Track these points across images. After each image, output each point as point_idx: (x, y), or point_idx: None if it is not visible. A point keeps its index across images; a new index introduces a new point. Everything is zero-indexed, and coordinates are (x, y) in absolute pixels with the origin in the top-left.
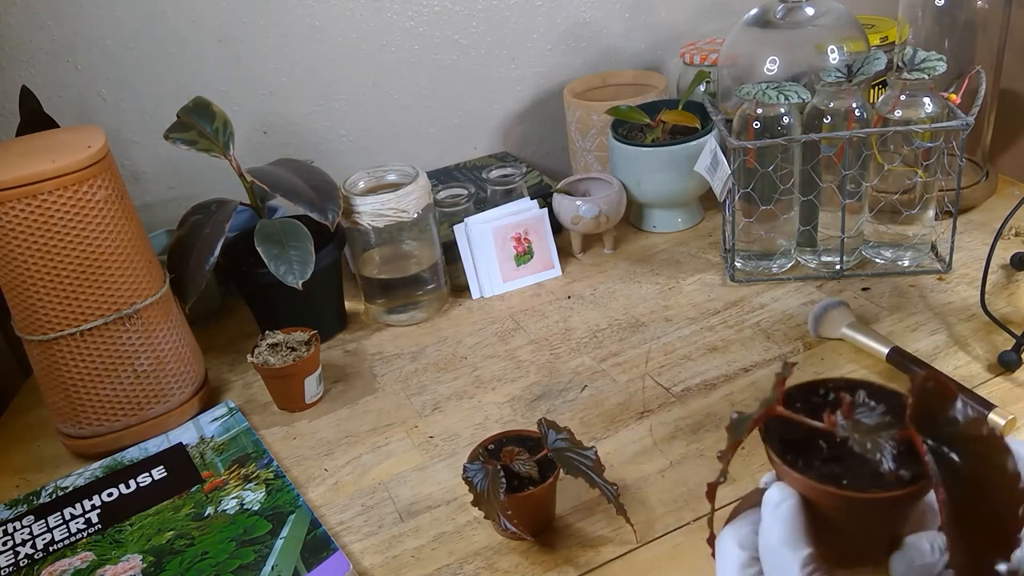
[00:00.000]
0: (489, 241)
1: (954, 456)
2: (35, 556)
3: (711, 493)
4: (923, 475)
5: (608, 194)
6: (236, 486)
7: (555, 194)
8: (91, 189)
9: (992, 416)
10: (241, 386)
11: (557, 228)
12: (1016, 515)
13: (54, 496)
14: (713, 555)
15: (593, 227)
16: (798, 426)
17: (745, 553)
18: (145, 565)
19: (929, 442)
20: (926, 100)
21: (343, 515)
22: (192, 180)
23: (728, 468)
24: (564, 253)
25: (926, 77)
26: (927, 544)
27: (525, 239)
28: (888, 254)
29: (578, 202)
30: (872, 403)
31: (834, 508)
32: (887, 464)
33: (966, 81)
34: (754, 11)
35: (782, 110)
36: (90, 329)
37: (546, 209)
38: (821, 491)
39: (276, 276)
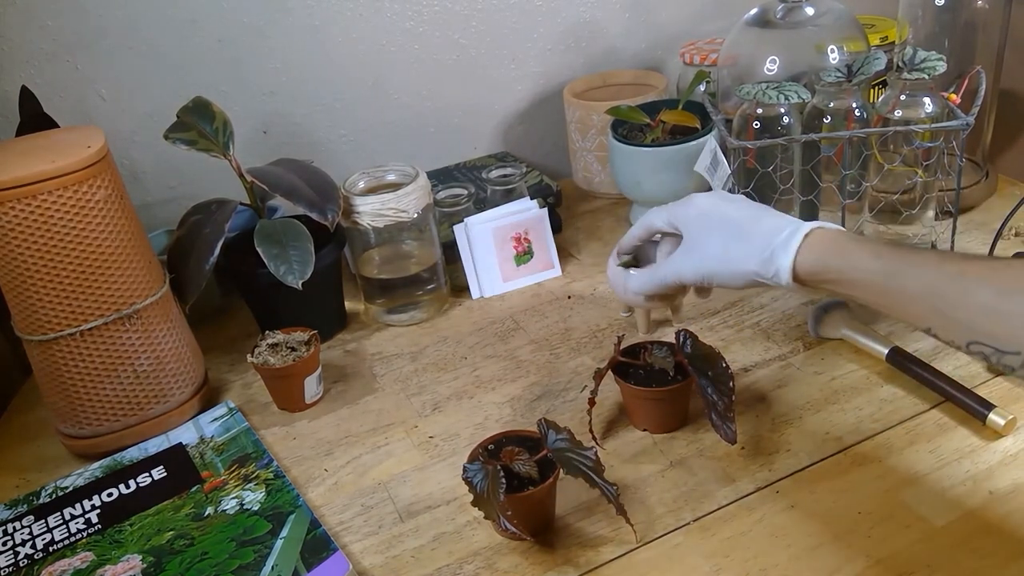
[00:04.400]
0: (489, 241)
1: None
2: (35, 556)
3: (591, 403)
4: (685, 376)
5: None
6: (236, 486)
7: (616, 268)
8: (91, 189)
9: (992, 416)
10: (241, 386)
11: (557, 228)
12: (728, 387)
13: (54, 496)
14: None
15: (668, 301)
16: (627, 362)
17: None
18: (145, 565)
19: (686, 359)
20: (926, 100)
21: (343, 515)
22: (192, 180)
23: (597, 388)
24: (564, 253)
25: (926, 77)
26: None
27: (525, 239)
28: None
29: None
30: (662, 348)
31: (647, 398)
32: (669, 373)
33: (966, 81)
34: (754, 11)
35: (782, 110)
36: (90, 329)
37: (546, 209)
38: (637, 391)
39: (276, 276)
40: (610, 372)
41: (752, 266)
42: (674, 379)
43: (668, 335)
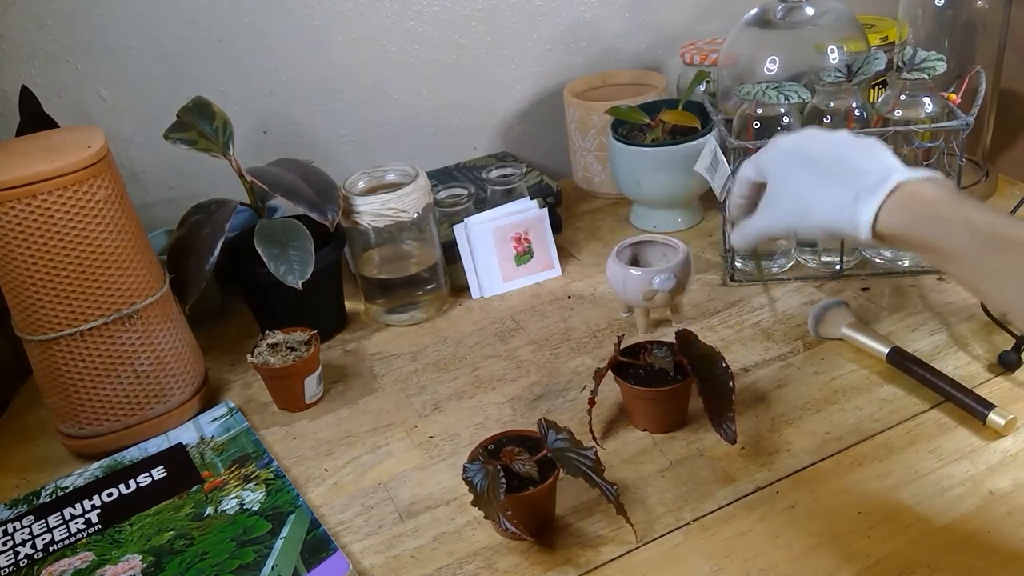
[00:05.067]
0: (489, 241)
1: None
2: (35, 556)
3: (591, 403)
4: (685, 376)
5: (681, 259)
6: (236, 486)
7: (616, 267)
8: (91, 189)
9: (992, 416)
10: (241, 386)
11: (557, 228)
12: (728, 387)
13: (54, 496)
14: None
15: (667, 300)
16: (627, 362)
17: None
18: (145, 565)
19: (686, 359)
20: (926, 100)
21: (343, 515)
22: (192, 180)
23: (597, 388)
24: (564, 253)
25: (926, 77)
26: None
27: (525, 239)
28: (888, 254)
29: (656, 278)
30: (662, 348)
31: (647, 398)
32: (669, 373)
33: (966, 81)
34: (754, 11)
35: (782, 110)
36: (90, 329)
37: (546, 209)
38: (637, 390)
39: (276, 276)
40: (610, 372)
41: (829, 217)
42: (674, 379)
43: (668, 335)
